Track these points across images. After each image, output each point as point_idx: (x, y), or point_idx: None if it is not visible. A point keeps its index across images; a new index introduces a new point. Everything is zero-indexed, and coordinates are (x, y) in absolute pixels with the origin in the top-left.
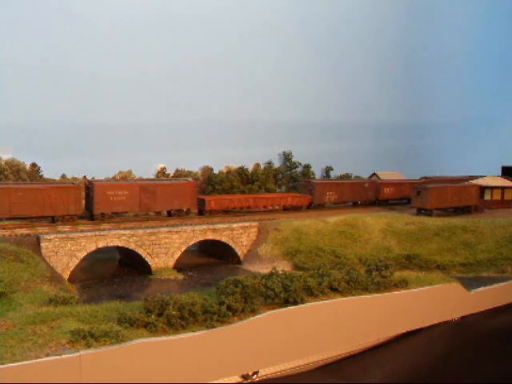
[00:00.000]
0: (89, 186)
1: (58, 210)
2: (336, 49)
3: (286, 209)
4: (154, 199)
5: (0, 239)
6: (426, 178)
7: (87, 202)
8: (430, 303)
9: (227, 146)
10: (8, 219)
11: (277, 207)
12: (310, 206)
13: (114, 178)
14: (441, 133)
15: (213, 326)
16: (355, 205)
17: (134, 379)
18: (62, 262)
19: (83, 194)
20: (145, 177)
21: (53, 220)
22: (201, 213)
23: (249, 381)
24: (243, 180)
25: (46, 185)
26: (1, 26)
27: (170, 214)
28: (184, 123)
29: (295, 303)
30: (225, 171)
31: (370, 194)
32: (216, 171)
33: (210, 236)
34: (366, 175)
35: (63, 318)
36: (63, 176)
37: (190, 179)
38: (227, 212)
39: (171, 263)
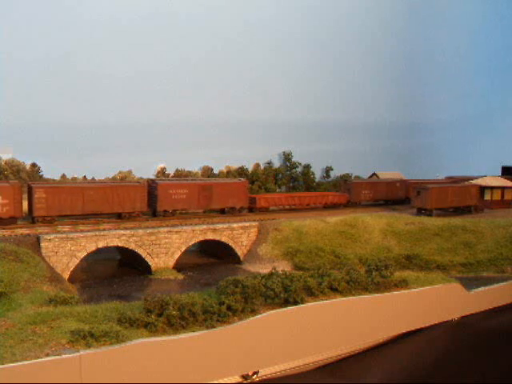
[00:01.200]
0: (152, 185)
1: (126, 207)
2: (336, 49)
3: (325, 206)
4: (211, 198)
5: (0, 239)
6: (451, 177)
7: (150, 200)
8: (430, 303)
9: (227, 145)
10: (81, 216)
11: (318, 205)
12: (348, 204)
13: (175, 177)
14: (441, 132)
15: (213, 326)
16: (387, 202)
17: (134, 379)
18: (62, 261)
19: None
20: (145, 177)
21: (119, 216)
22: (251, 210)
23: (249, 381)
24: None
25: (115, 183)
26: (1, 26)
27: (223, 211)
28: (184, 123)
29: (295, 303)
30: (225, 171)
31: (401, 193)
32: (216, 171)
33: (210, 236)
34: (366, 175)
35: (63, 318)
36: (63, 176)
37: (242, 179)
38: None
39: (171, 263)
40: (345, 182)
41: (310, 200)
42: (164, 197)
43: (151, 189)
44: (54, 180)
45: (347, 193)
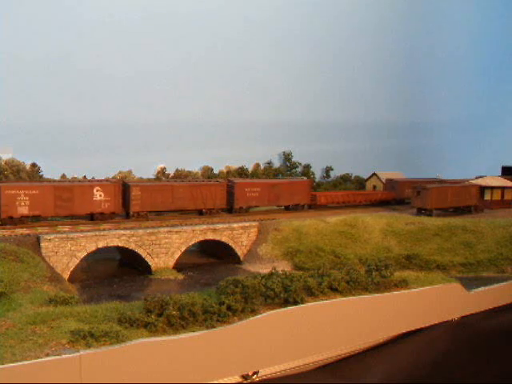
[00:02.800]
0: (230, 184)
1: (208, 203)
2: (336, 48)
3: (374, 204)
4: (279, 195)
5: (0, 239)
6: (480, 177)
7: (228, 198)
8: (430, 303)
9: (227, 145)
10: (171, 211)
11: (369, 202)
12: (393, 201)
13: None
14: (441, 132)
15: (213, 326)
16: None
17: (134, 379)
18: (61, 261)
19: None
20: (145, 177)
21: (200, 213)
22: (310, 207)
23: (249, 381)
24: None
25: (200, 182)
26: (1, 26)
27: (288, 208)
28: (184, 123)
29: (295, 303)
30: (225, 171)
31: None
32: (216, 171)
33: (210, 236)
34: (366, 175)
35: (63, 318)
36: (63, 176)
37: (305, 178)
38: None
39: (171, 263)
40: (390, 181)
41: (362, 197)
42: (240, 195)
43: (229, 187)
44: (54, 180)
45: (392, 191)
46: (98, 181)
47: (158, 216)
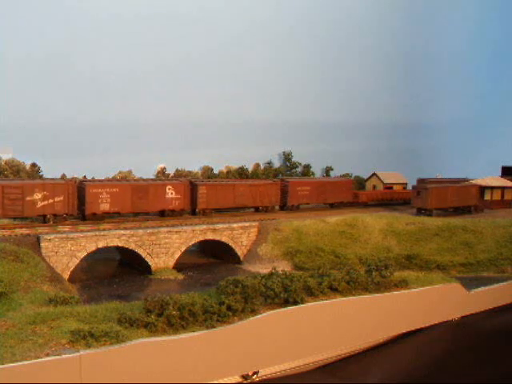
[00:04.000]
0: (284, 183)
1: (264, 201)
2: (336, 48)
3: (406, 202)
4: (327, 193)
5: (0, 239)
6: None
7: (282, 196)
8: (430, 303)
9: (227, 146)
10: (231, 208)
11: (402, 200)
12: None
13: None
14: (441, 132)
15: (213, 326)
16: None
17: (134, 379)
18: (61, 261)
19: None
20: (145, 177)
21: (257, 209)
22: (352, 204)
23: (249, 381)
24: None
25: (258, 181)
26: (1, 26)
27: (332, 205)
28: (184, 123)
29: (295, 303)
30: (225, 171)
31: None
32: (216, 171)
33: (210, 236)
34: (366, 175)
35: (63, 318)
36: (63, 176)
37: (348, 177)
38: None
39: (171, 263)
40: (422, 181)
41: (398, 195)
42: (293, 193)
43: (283, 186)
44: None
45: None
46: (169, 180)
47: (219, 213)
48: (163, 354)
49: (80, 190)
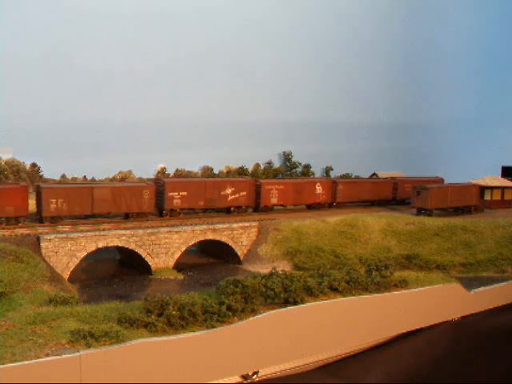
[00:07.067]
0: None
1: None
2: (336, 48)
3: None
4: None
5: (0, 239)
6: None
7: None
8: (430, 303)
9: (227, 146)
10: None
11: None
12: None
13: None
14: (441, 132)
15: (213, 326)
16: None
17: (134, 379)
18: (61, 262)
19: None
20: (145, 177)
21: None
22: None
23: (249, 381)
24: None
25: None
26: (1, 25)
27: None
28: (184, 123)
29: (295, 303)
30: (225, 171)
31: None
32: (216, 171)
33: (210, 236)
34: (366, 175)
35: (63, 318)
36: (63, 176)
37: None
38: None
39: (171, 263)
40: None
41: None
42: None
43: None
44: (53, 180)
45: None
46: (317, 178)
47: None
48: (163, 353)
49: (256, 186)
